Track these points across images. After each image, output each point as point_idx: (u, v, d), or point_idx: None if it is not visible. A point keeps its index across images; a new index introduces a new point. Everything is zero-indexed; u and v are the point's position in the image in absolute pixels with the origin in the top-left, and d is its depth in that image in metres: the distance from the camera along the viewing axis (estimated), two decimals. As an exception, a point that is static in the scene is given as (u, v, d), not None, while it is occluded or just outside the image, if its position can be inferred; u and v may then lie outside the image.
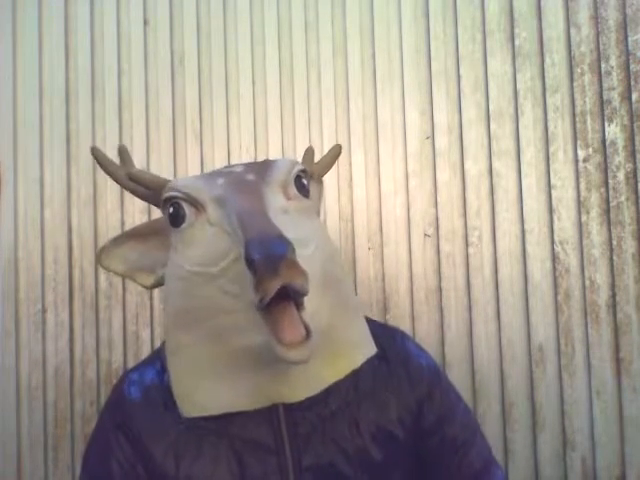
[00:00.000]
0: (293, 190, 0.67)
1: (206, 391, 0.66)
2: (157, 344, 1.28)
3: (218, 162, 1.31)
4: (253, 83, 1.32)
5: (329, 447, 0.68)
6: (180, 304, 0.65)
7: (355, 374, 0.69)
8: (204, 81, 1.34)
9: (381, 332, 0.76)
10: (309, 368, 0.63)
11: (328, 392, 0.68)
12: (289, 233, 0.54)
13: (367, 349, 0.70)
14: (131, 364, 1.28)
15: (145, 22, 1.36)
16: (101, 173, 1.33)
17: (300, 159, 0.83)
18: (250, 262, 0.51)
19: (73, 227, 1.33)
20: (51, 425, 1.30)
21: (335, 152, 0.85)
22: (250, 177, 0.65)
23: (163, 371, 0.73)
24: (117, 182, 0.76)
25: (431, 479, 0.77)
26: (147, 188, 0.74)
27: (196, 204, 0.64)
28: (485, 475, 0.75)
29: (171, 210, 0.66)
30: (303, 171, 0.70)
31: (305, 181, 0.70)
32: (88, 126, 1.35)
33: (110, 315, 1.30)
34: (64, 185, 1.34)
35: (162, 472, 0.68)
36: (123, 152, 0.77)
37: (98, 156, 0.76)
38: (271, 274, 0.51)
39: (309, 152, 0.84)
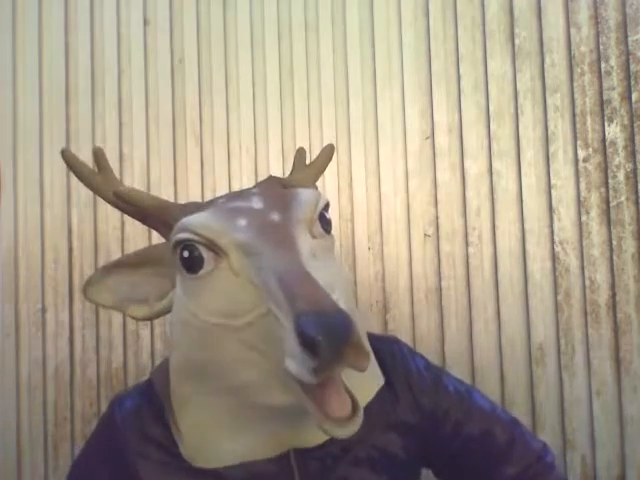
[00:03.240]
0: (318, 228, 0.63)
1: (225, 442, 0.64)
2: (157, 344, 1.28)
3: (218, 162, 1.31)
4: (253, 83, 1.32)
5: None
6: (197, 356, 0.61)
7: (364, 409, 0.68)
8: (204, 81, 1.34)
9: (379, 347, 0.74)
10: None
11: None
12: (320, 280, 0.51)
13: (376, 381, 0.69)
14: (131, 364, 1.29)
15: (145, 22, 1.35)
16: (101, 173, 1.33)
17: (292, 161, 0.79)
18: (309, 342, 0.46)
19: (73, 227, 1.33)
20: (51, 425, 1.29)
21: (328, 153, 0.80)
22: (275, 217, 0.59)
23: (162, 412, 0.69)
24: (92, 190, 0.72)
25: (469, 475, 0.77)
26: (140, 209, 0.68)
27: (216, 249, 0.58)
28: (512, 445, 0.75)
29: (185, 254, 0.59)
30: (326, 206, 0.66)
31: (328, 216, 0.66)
32: (88, 126, 1.35)
33: (110, 315, 1.30)
34: (64, 185, 1.34)
35: None
36: (99, 156, 0.72)
37: (69, 159, 0.71)
38: (336, 359, 0.46)
39: (301, 154, 0.80)
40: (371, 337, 0.74)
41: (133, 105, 1.34)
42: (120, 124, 1.34)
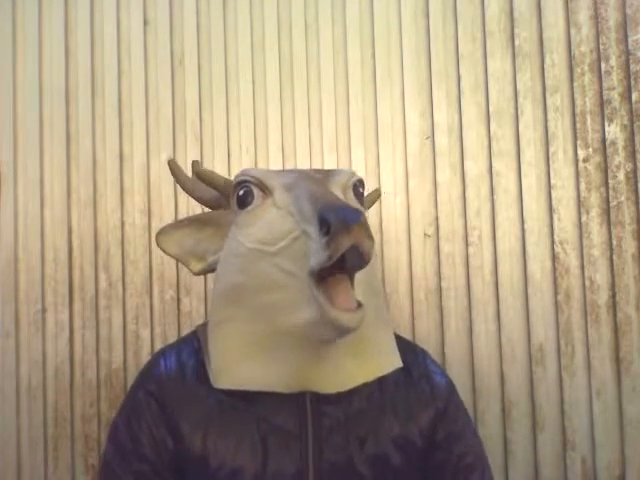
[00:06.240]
0: (351, 195, 0.73)
1: (244, 366, 0.68)
2: (157, 344, 1.28)
3: (218, 162, 1.31)
4: (253, 83, 1.32)
5: (350, 444, 0.70)
6: (235, 279, 0.69)
7: (380, 381, 0.73)
8: (204, 81, 1.34)
9: (406, 348, 0.80)
10: (341, 364, 0.68)
11: (353, 392, 0.71)
12: None
13: (394, 360, 0.74)
14: (131, 364, 1.28)
15: (145, 22, 1.35)
16: (101, 173, 1.34)
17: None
18: (324, 222, 0.55)
19: (73, 227, 1.33)
20: (51, 425, 1.29)
21: (374, 197, 0.94)
22: (317, 175, 0.72)
23: (199, 350, 0.76)
24: (187, 192, 0.85)
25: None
26: (212, 186, 0.79)
27: (265, 189, 0.70)
28: None
29: (241, 192, 0.72)
30: (360, 181, 0.76)
31: (361, 190, 0.77)
32: (88, 126, 1.35)
33: (110, 315, 1.30)
34: (64, 185, 1.34)
35: (187, 446, 0.70)
36: (196, 167, 0.86)
37: (173, 168, 0.85)
38: (344, 232, 0.54)
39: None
40: (399, 338, 0.79)
41: (133, 105, 1.34)
42: (120, 124, 1.34)
